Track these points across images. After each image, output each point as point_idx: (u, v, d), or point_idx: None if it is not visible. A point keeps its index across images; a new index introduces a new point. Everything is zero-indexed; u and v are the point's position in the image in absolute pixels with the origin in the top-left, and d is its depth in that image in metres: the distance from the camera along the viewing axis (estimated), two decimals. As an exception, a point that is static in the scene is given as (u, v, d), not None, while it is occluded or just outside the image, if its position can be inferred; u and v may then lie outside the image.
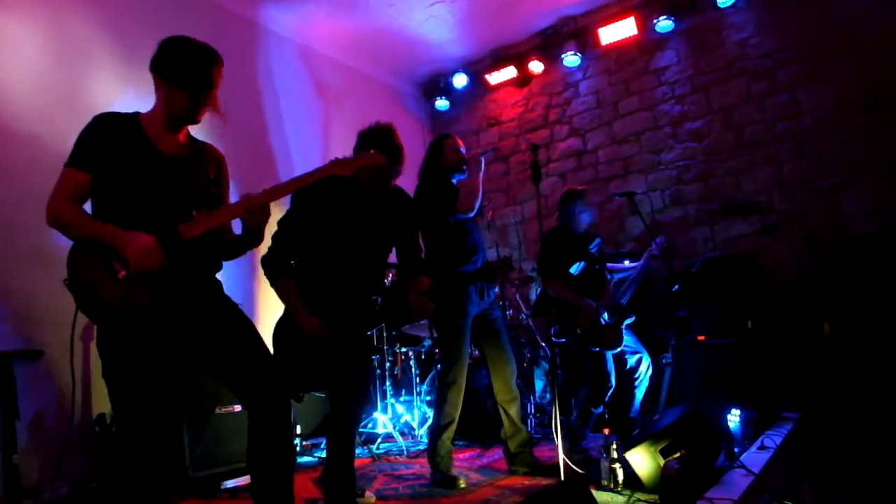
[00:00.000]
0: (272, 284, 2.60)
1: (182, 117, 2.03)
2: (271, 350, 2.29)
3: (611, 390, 3.88)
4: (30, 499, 3.26)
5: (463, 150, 3.51)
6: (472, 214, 3.41)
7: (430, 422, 4.31)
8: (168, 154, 2.02)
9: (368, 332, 2.74)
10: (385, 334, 4.94)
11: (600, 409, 3.90)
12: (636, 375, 4.15)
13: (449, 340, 3.39)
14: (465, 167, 3.48)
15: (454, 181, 3.48)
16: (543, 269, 3.98)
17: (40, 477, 3.43)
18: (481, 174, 3.41)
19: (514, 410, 3.44)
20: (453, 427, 3.36)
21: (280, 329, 2.62)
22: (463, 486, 3.21)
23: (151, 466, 1.95)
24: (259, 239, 2.16)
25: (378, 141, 2.60)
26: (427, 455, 3.39)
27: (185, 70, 1.96)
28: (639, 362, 4.17)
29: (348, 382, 2.60)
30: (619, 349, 3.98)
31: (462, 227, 3.44)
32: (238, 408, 3.64)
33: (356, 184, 2.64)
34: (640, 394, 4.12)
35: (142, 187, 1.95)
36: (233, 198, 2.26)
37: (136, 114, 2.06)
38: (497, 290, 3.57)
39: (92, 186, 1.95)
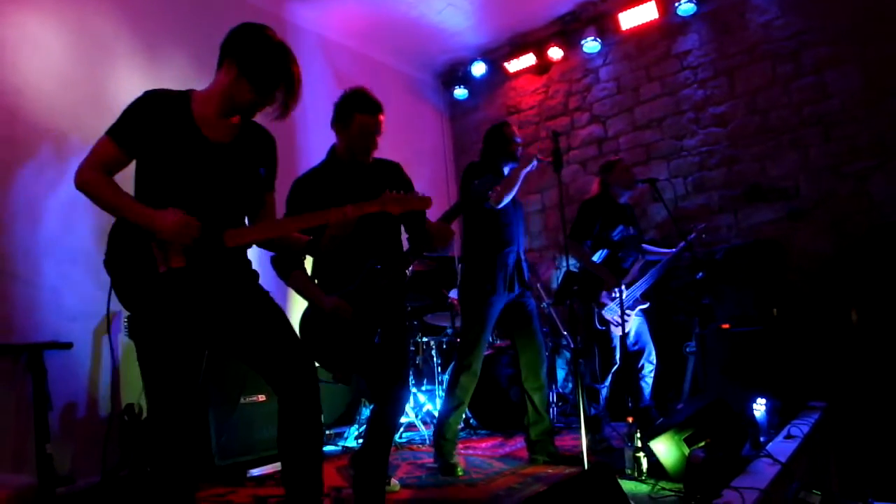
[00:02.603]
0: (286, 279, 2.59)
1: (240, 109, 1.97)
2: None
3: (615, 367, 3.85)
4: (63, 486, 3.34)
5: (518, 139, 3.55)
6: (499, 206, 3.38)
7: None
8: (214, 140, 1.95)
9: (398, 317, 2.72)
10: (406, 323, 4.95)
11: (606, 385, 3.88)
12: (639, 364, 4.03)
13: (470, 325, 3.44)
14: (518, 156, 3.50)
15: (504, 170, 3.51)
16: (570, 232, 3.93)
17: (73, 465, 3.51)
18: (526, 170, 3.38)
19: (539, 398, 3.46)
20: (462, 410, 3.44)
21: (306, 322, 2.61)
22: (461, 473, 3.26)
23: (185, 452, 1.96)
24: (322, 249, 2.18)
25: (357, 104, 2.58)
26: (433, 437, 3.46)
27: (264, 67, 1.90)
28: (639, 353, 4.02)
29: (384, 360, 2.55)
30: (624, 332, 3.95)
31: (498, 216, 3.44)
32: (262, 397, 3.69)
33: (340, 161, 2.63)
34: (646, 386, 4.05)
35: (183, 174, 1.90)
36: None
37: (189, 92, 1.98)
38: (526, 279, 3.55)
39: (125, 166, 1.91)
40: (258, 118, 2.06)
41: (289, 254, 2.54)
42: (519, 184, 3.37)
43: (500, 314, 3.47)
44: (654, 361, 4.02)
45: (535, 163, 3.40)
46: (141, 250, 1.83)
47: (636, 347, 4.00)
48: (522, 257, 3.57)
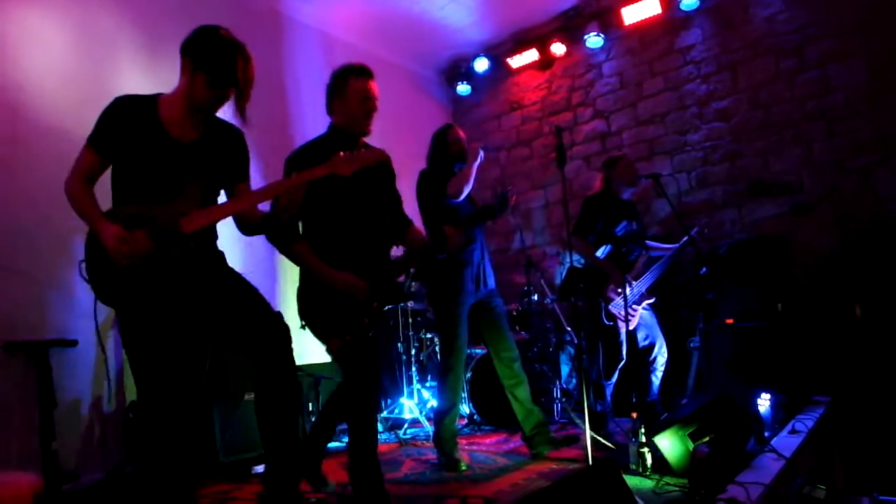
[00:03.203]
0: (286, 252, 2.55)
1: (200, 106, 2.09)
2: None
3: (621, 363, 3.84)
4: (68, 483, 3.35)
5: (463, 139, 3.64)
6: (460, 199, 3.44)
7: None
8: (182, 140, 2.09)
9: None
10: (410, 320, 4.95)
11: (612, 382, 3.87)
12: (651, 358, 4.02)
13: (445, 328, 3.47)
14: (466, 156, 3.56)
15: (455, 170, 3.57)
16: (574, 229, 3.95)
17: (78, 462, 3.53)
18: (475, 163, 3.43)
19: (522, 393, 3.49)
20: (455, 411, 3.48)
21: (306, 297, 2.57)
22: (464, 468, 3.29)
23: (180, 445, 1.99)
24: (281, 220, 2.23)
25: (349, 70, 2.69)
26: (433, 437, 3.51)
27: (215, 62, 2.01)
28: (651, 347, 4.04)
29: (373, 353, 2.59)
30: (632, 327, 3.94)
31: (457, 215, 3.49)
32: (266, 394, 3.69)
33: (342, 132, 2.68)
34: (656, 380, 4.04)
35: (152, 172, 2.04)
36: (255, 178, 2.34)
37: (157, 96, 2.12)
38: (492, 277, 3.58)
39: (107, 168, 2.09)
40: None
41: (285, 226, 2.50)
42: (473, 177, 3.42)
43: (469, 312, 3.49)
44: (667, 354, 4.01)
45: (481, 154, 3.47)
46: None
47: (647, 342, 3.99)
48: (486, 256, 3.59)
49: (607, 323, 3.85)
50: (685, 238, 4.05)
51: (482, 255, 3.55)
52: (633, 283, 3.90)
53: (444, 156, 3.59)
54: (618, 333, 3.84)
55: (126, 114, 2.04)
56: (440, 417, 3.45)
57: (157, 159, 2.04)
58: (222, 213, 2.12)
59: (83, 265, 2.03)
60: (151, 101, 2.09)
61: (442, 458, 3.39)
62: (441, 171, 3.55)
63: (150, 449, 2.01)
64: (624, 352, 3.84)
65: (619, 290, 3.79)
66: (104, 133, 2.03)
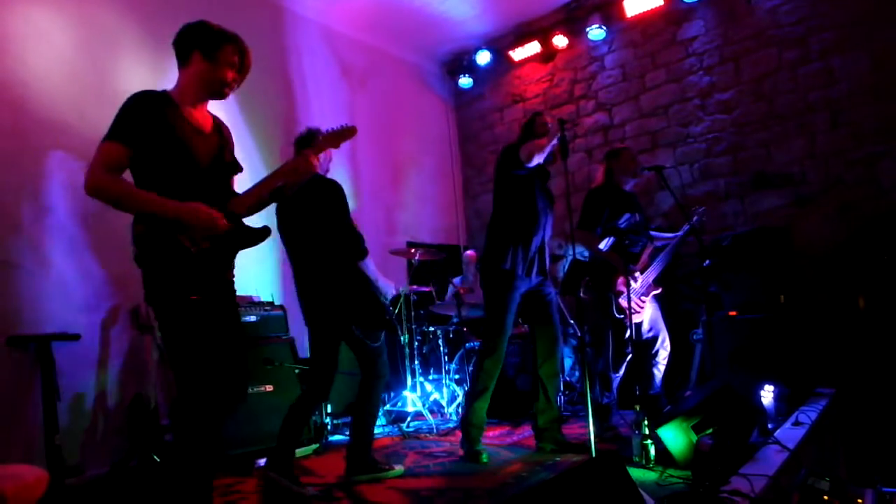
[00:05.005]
0: (363, 258, 3.07)
1: (217, 89, 2.12)
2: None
3: (629, 356, 3.84)
4: (72, 477, 3.36)
5: (549, 123, 3.60)
6: (531, 165, 3.40)
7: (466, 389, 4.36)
8: (201, 129, 2.11)
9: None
10: (413, 313, 4.96)
11: (620, 374, 3.87)
12: (653, 351, 4.01)
13: (494, 313, 3.44)
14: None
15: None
16: (579, 223, 3.94)
17: (81, 456, 3.54)
18: (553, 142, 3.40)
19: (552, 386, 3.48)
20: (488, 396, 3.43)
21: (363, 296, 3.07)
22: (486, 460, 3.29)
23: (216, 436, 2.08)
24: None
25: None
26: (461, 423, 3.48)
27: (217, 42, 2.09)
28: (654, 340, 4.02)
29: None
30: (639, 319, 3.93)
31: (535, 201, 3.47)
32: (270, 387, 3.71)
33: None
34: (658, 374, 4.03)
35: (183, 160, 2.02)
36: (259, 169, 2.33)
37: (166, 91, 2.10)
38: (547, 265, 3.57)
39: (132, 161, 1.98)
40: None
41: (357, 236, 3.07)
42: (546, 150, 3.38)
43: (521, 300, 3.48)
44: (669, 348, 4.00)
45: (557, 137, 3.46)
46: (172, 242, 1.94)
47: (650, 334, 3.98)
48: (546, 246, 3.58)
49: (618, 316, 3.84)
50: (686, 227, 4.03)
51: (542, 242, 3.54)
52: (640, 274, 3.89)
53: (530, 135, 3.58)
54: (626, 326, 3.83)
55: (149, 105, 2.00)
56: (472, 399, 3.41)
57: (186, 147, 2.03)
58: (258, 192, 2.17)
59: (139, 255, 1.98)
60: (166, 94, 2.08)
61: (465, 446, 3.39)
62: (519, 144, 3.53)
63: (186, 440, 2.04)
64: (630, 344, 3.84)
65: (630, 282, 3.77)
66: (129, 124, 1.95)
